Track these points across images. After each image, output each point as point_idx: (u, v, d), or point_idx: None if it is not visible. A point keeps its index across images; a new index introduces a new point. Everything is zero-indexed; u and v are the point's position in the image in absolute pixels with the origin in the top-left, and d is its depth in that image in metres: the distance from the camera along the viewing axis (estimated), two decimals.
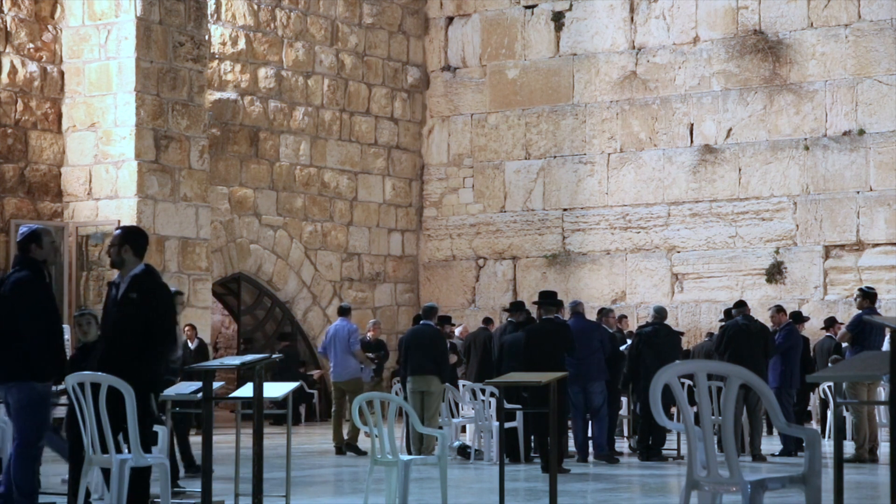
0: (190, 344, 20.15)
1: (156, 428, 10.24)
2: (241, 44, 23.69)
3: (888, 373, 6.70)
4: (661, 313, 15.99)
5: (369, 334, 19.14)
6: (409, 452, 14.73)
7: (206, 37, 22.01)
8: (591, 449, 15.50)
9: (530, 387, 12.98)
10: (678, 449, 15.83)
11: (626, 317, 21.81)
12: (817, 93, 23.37)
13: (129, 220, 20.55)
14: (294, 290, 24.63)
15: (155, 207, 20.85)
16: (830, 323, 19.81)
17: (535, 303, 15.22)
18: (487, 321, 19.03)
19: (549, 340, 13.99)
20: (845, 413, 15.21)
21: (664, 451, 15.53)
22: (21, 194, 20.65)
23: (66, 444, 9.85)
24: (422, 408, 15.08)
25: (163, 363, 8.99)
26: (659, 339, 15.54)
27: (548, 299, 14.61)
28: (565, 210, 25.57)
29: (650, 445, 15.41)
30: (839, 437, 7.69)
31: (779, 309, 17.03)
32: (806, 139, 23.44)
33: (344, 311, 17.24)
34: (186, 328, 20.38)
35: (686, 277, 24.38)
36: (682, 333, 17.58)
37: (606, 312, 16.95)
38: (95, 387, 8.49)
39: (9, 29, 20.52)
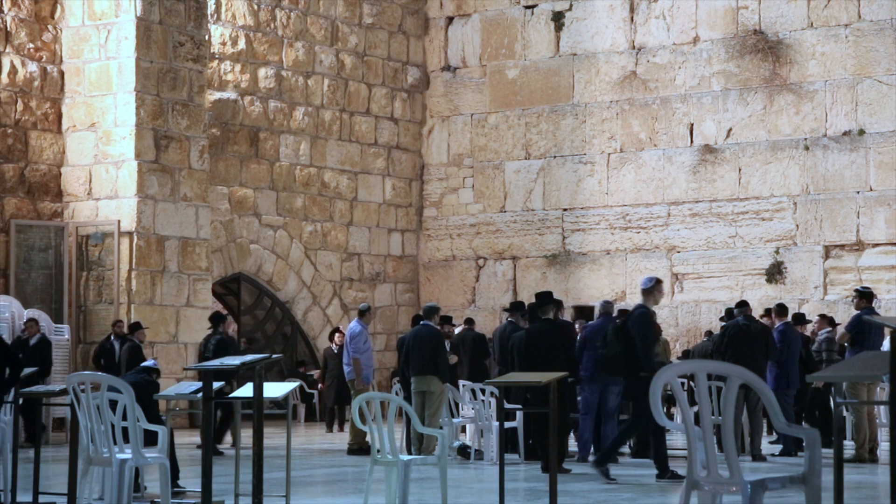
0: (31, 340, 18.09)
1: (156, 428, 10.25)
2: (241, 44, 23.68)
3: (888, 373, 6.70)
4: (604, 307, 15.82)
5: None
6: (409, 452, 14.73)
7: (206, 37, 22.01)
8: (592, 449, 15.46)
9: (532, 387, 12.97)
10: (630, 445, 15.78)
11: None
12: (817, 93, 23.37)
13: (130, 220, 20.56)
14: (294, 290, 24.62)
15: (155, 207, 20.85)
16: (830, 321, 19.65)
17: (533, 305, 15.17)
18: (469, 322, 18.97)
19: (546, 341, 13.97)
20: (845, 413, 15.21)
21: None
22: (21, 194, 20.65)
23: None
24: (423, 408, 15.08)
25: None
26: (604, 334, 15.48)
27: (542, 300, 14.59)
28: (565, 210, 25.56)
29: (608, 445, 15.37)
30: (839, 437, 7.68)
31: (778, 308, 16.94)
32: (806, 139, 23.44)
33: (359, 313, 17.16)
34: (27, 322, 19.03)
35: (686, 277, 24.38)
36: (623, 323, 17.38)
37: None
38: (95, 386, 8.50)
39: (9, 29, 20.52)
